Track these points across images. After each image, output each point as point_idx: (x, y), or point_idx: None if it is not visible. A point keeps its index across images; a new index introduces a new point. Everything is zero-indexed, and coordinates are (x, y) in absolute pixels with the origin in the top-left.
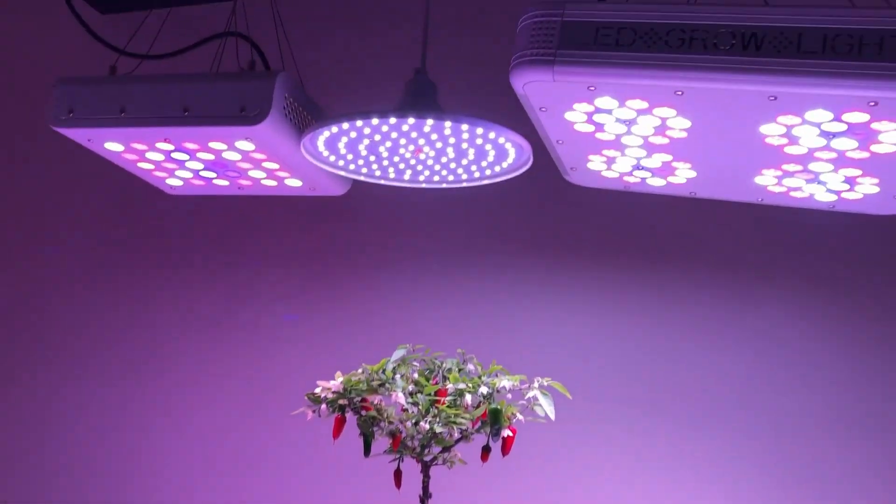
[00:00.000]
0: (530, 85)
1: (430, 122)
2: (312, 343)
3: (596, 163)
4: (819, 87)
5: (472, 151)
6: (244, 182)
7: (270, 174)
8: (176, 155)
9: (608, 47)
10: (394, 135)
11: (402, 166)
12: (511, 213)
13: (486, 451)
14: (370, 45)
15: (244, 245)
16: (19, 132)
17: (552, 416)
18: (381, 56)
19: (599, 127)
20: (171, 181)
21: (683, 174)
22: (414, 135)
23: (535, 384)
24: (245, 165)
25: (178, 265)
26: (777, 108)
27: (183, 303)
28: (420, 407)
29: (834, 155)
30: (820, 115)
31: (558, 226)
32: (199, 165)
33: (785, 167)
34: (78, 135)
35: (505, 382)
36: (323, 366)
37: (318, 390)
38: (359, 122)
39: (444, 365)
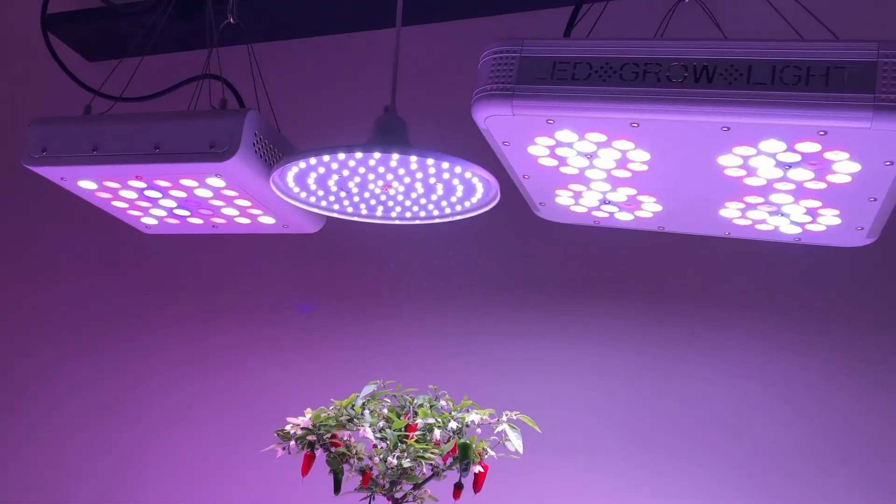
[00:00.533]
0: (491, 119)
1: (395, 156)
2: (283, 381)
3: (563, 197)
4: (769, 116)
5: (440, 187)
6: (218, 220)
7: (243, 212)
8: (149, 193)
9: (564, 81)
10: (362, 170)
11: (372, 202)
12: (484, 249)
13: (458, 487)
14: (343, 87)
15: (218, 282)
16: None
17: (520, 450)
18: (355, 97)
19: (562, 161)
20: (147, 220)
21: (650, 208)
22: (381, 170)
23: (504, 418)
24: (217, 203)
25: (153, 304)
26: (731, 138)
27: (157, 339)
28: (388, 442)
29: (792, 186)
30: (773, 145)
31: (532, 260)
32: (172, 204)
33: (747, 199)
34: (51, 173)
35: (473, 416)
36: (295, 403)
37: (287, 427)
38: (325, 157)
39: (415, 401)
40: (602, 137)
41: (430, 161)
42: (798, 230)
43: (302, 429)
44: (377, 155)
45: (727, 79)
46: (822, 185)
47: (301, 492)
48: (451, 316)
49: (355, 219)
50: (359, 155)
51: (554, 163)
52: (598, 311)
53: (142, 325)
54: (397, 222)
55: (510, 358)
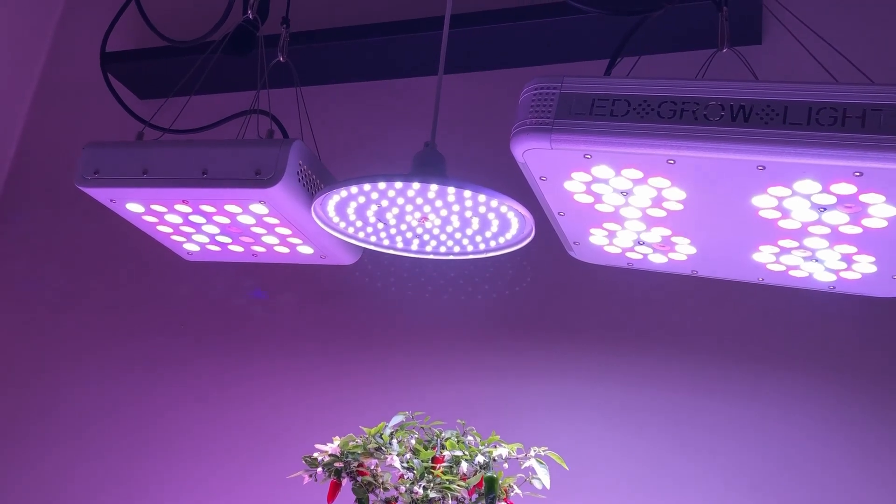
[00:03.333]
0: (530, 153)
1: (434, 187)
2: (312, 409)
3: (598, 237)
4: (804, 156)
5: (475, 221)
6: (258, 249)
7: (283, 241)
8: (193, 218)
9: (603, 117)
10: (400, 201)
11: (409, 235)
12: (515, 287)
13: None
14: (386, 130)
15: (244, 315)
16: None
17: (547, 485)
18: (396, 140)
19: (598, 198)
20: (189, 246)
21: (684, 250)
22: (420, 201)
23: (532, 453)
24: (259, 230)
25: (178, 334)
26: (766, 178)
27: (181, 371)
28: (415, 472)
29: (827, 230)
30: (808, 185)
31: (561, 300)
32: (215, 230)
33: (781, 243)
34: (101, 194)
35: (501, 451)
36: (322, 432)
37: (315, 454)
38: (366, 186)
39: (442, 434)
40: (638, 174)
41: (467, 193)
42: (832, 278)
43: (330, 455)
44: (416, 185)
45: (763, 118)
46: (858, 230)
47: None
48: (478, 351)
49: (392, 251)
50: (398, 185)
51: (590, 199)
52: (621, 351)
53: (165, 356)
54: (433, 256)
55: (537, 394)
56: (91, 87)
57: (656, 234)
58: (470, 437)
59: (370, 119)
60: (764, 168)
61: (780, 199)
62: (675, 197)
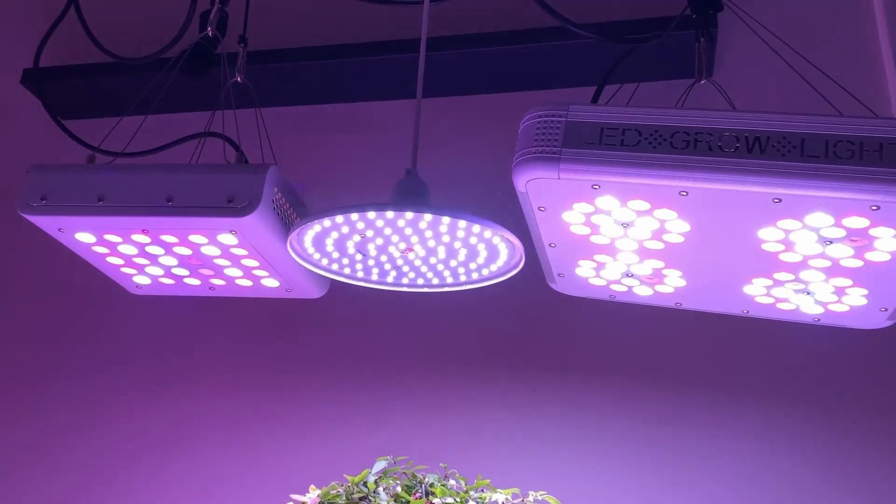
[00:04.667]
0: (533, 182)
1: (427, 217)
2: (282, 456)
3: (585, 269)
4: (824, 189)
5: (462, 251)
6: (217, 282)
7: (247, 273)
8: (151, 249)
9: (613, 147)
10: (388, 231)
11: (387, 267)
12: (495, 323)
13: None
14: (356, 149)
15: (206, 350)
16: None
17: None
18: (369, 160)
19: (595, 229)
20: (139, 279)
21: (673, 283)
22: (409, 231)
23: (530, 498)
24: (222, 262)
25: (132, 373)
26: (780, 211)
27: (141, 414)
28: None
29: (828, 263)
30: (820, 219)
31: (542, 336)
32: (173, 261)
33: (776, 276)
34: (49, 223)
35: (498, 497)
36: (291, 479)
37: None
38: (353, 216)
39: (426, 479)
40: (645, 206)
41: (461, 223)
42: (820, 310)
43: None
44: (409, 215)
45: (780, 150)
46: (859, 263)
47: None
48: (458, 390)
49: (379, 287)
50: (390, 215)
51: (586, 231)
52: (594, 387)
53: (122, 396)
54: (425, 290)
55: (517, 433)
56: (19, 105)
57: (647, 267)
58: (452, 482)
59: (338, 144)
60: (780, 201)
61: (788, 231)
62: (678, 229)
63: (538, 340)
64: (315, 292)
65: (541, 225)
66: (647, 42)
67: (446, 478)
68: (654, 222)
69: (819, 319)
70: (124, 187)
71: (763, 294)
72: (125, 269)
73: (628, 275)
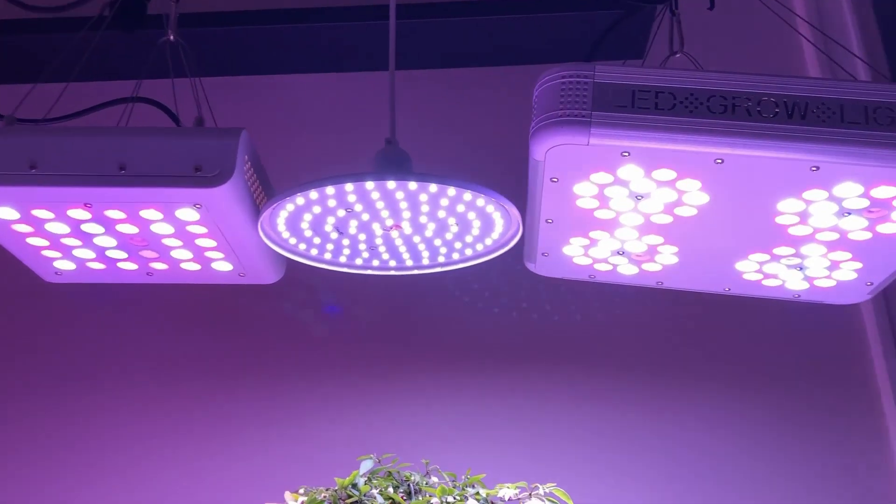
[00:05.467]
0: (557, 149)
1: (412, 185)
2: (256, 456)
3: (575, 246)
4: (866, 157)
5: (453, 224)
6: (158, 266)
7: (198, 255)
8: (87, 227)
9: (647, 110)
10: (380, 204)
11: (363, 250)
12: (475, 310)
13: None
14: (314, 129)
15: (170, 346)
16: None
17: None
18: (326, 135)
19: (604, 202)
20: (62, 264)
21: (664, 260)
22: (403, 203)
23: (541, 491)
24: (172, 243)
25: (101, 372)
26: (812, 180)
27: (95, 422)
28: None
29: (836, 236)
30: (848, 188)
31: (521, 324)
32: (111, 242)
33: (776, 251)
34: None
35: (505, 492)
36: (271, 480)
37: None
38: (329, 190)
39: (412, 477)
40: (670, 175)
41: (451, 191)
42: (805, 286)
43: None
44: (413, 185)
45: (821, 117)
46: (867, 236)
47: None
48: (442, 381)
49: (367, 272)
50: (370, 185)
51: (594, 204)
52: (582, 377)
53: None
54: (414, 272)
55: (501, 428)
56: None
57: (643, 244)
58: (434, 478)
59: (291, 118)
60: (818, 168)
61: (809, 202)
62: (695, 202)
63: (524, 328)
64: (271, 277)
65: (545, 198)
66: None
67: (427, 474)
68: (672, 194)
69: (799, 296)
70: (64, 153)
71: (754, 270)
72: (47, 253)
73: (619, 252)
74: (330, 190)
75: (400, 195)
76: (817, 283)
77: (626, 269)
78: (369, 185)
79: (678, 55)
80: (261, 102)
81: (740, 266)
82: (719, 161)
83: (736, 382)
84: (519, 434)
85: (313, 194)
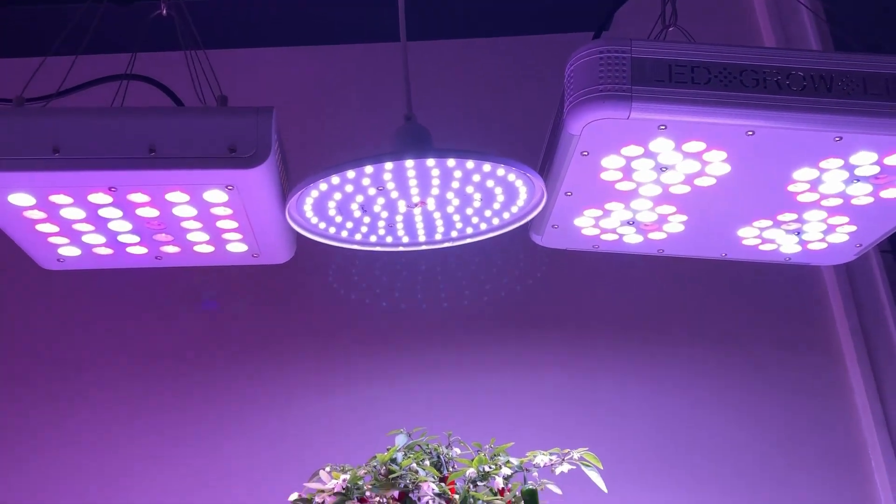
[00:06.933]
0: (596, 123)
1: (451, 162)
2: (275, 439)
3: (587, 218)
4: (887, 127)
5: (477, 196)
6: (169, 250)
7: (215, 237)
8: (105, 212)
9: (684, 84)
10: (394, 184)
11: (381, 227)
12: (487, 283)
13: None
14: (313, 95)
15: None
16: None
17: (604, 488)
18: (329, 107)
19: (628, 174)
20: (67, 250)
21: (671, 228)
22: (437, 178)
23: (574, 455)
24: (192, 225)
25: (104, 353)
26: (833, 149)
27: (124, 401)
28: (456, 498)
29: (839, 202)
30: (864, 157)
31: (533, 296)
32: (127, 227)
33: (780, 217)
34: None
35: (541, 459)
36: (290, 462)
37: (308, 494)
38: (368, 169)
39: (440, 448)
40: (700, 146)
41: (486, 167)
42: (797, 249)
43: (335, 494)
44: (431, 162)
45: (846, 89)
46: (869, 201)
47: None
48: (453, 350)
49: (397, 248)
50: (409, 163)
51: (618, 176)
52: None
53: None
54: (446, 245)
55: (506, 394)
56: None
57: (655, 213)
58: (457, 449)
59: (295, 91)
60: (841, 139)
61: (823, 171)
62: (717, 172)
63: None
64: (284, 257)
65: (570, 170)
66: None
67: (449, 445)
68: (696, 165)
69: (790, 259)
70: (89, 135)
71: (754, 236)
72: (54, 239)
73: (629, 223)
74: (368, 169)
75: (435, 172)
76: (810, 246)
77: (632, 239)
78: (408, 163)
79: (671, 29)
80: (263, 77)
81: (742, 232)
82: (750, 133)
83: (710, 341)
84: (528, 404)
85: (350, 174)
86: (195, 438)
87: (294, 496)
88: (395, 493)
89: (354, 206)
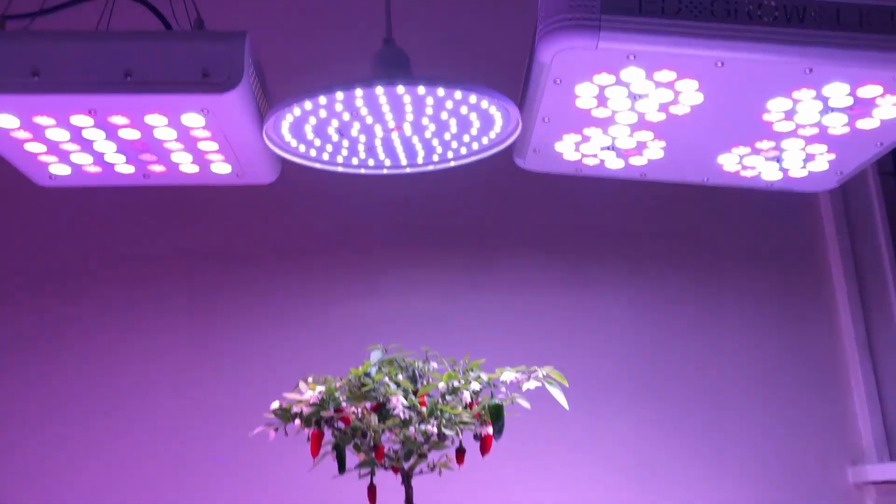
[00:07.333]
0: (565, 53)
1: (420, 90)
2: (253, 355)
3: (567, 143)
4: (860, 60)
5: (453, 123)
6: (156, 168)
7: (198, 158)
8: (88, 133)
9: (654, 14)
10: (385, 107)
11: (361, 151)
12: (465, 201)
13: (460, 452)
14: (289, 22)
15: (152, 242)
16: None
17: (565, 405)
18: (314, 32)
19: (602, 101)
20: (57, 168)
21: (651, 154)
22: (408, 106)
23: (541, 373)
24: (174, 146)
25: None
26: (805, 80)
27: (102, 317)
28: (424, 410)
29: (815, 131)
30: (837, 88)
31: (507, 214)
32: (111, 147)
33: (758, 145)
34: None
35: (508, 375)
36: (275, 375)
37: (285, 405)
38: (339, 95)
39: (415, 364)
40: (671, 76)
41: (457, 94)
42: (779, 176)
43: (311, 405)
44: (421, 90)
45: (817, 20)
46: (845, 130)
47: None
48: (436, 274)
49: (381, 171)
50: (379, 90)
51: (592, 104)
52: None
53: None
54: (408, 170)
55: (483, 314)
56: None
57: (633, 140)
58: (434, 364)
59: (277, 14)
60: (811, 71)
61: (797, 101)
62: (690, 101)
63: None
64: (268, 178)
65: (545, 98)
66: None
67: (427, 361)
68: (669, 94)
69: (772, 185)
70: (67, 59)
71: (734, 163)
72: (43, 158)
73: (609, 148)
74: (340, 95)
75: (406, 99)
76: (791, 173)
77: (613, 164)
78: (378, 90)
79: None
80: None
81: (722, 159)
82: (720, 64)
83: (702, 263)
84: (512, 323)
85: (322, 99)
86: (186, 349)
87: (275, 404)
88: (368, 405)
89: (331, 131)
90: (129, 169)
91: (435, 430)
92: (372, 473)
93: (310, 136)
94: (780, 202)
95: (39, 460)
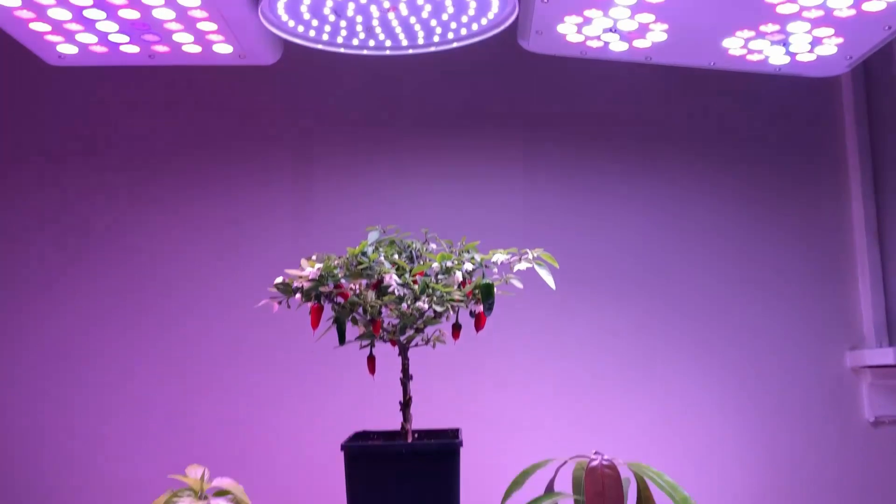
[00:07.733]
0: None
1: None
2: (254, 237)
3: (569, 24)
4: None
5: (450, 4)
6: (160, 49)
7: (199, 39)
8: (89, 13)
9: None
10: None
11: (362, 35)
12: (480, 85)
13: (457, 328)
14: None
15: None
16: None
17: (552, 285)
18: None
19: None
20: (64, 48)
21: (654, 37)
22: None
23: (530, 255)
24: (174, 27)
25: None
26: None
27: (103, 212)
28: (417, 287)
29: (821, 13)
30: None
31: (528, 101)
32: (113, 27)
33: (762, 28)
34: None
35: (499, 256)
36: (278, 255)
37: (287, 280)
38: None
39: (413, 244)
40: None
41: None
42: (786, 60)
43: (310, 280)
44: None
45: None
46: (851, 13)
47: (295, 346)
48: (434, 155)
49: (384, 52)
50: None
51: None
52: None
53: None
54: (410, 51)
55: (481, 201)
56: None
57: (635, 22)
58: (433, 245)
59: None
60: None
61: None
62: None
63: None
64: (269, 58)
65: None
66: None
67: (426, 242)
68: None
69: (780, 69)
70: None
71: (739, 46)
72: (50, 37)
73: (612, 30)
74: None
75: None
76: (799, 57)
77: (617, 46)
78: None
79: None
80: None
81: (727, 42)
82: None
83: (719, 151)
84: (511, 207)
85: None
86: (183, 231)
87: (279, 279)
88: (364, 282)
89: (327, 11)
90: (134, 49)
91: (426, 306)
92: (371, 345)
93: (307, 16)
94: (801, 91)
95: (62, 331)
